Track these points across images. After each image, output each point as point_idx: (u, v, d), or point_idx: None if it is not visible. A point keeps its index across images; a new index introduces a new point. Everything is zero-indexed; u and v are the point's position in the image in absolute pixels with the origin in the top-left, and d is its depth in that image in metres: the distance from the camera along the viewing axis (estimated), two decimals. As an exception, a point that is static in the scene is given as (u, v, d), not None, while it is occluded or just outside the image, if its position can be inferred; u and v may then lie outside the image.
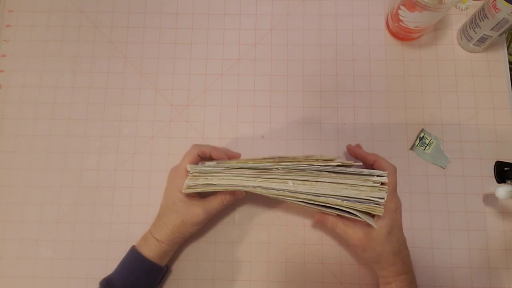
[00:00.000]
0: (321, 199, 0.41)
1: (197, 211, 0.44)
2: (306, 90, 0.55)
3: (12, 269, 0.50)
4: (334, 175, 0.41)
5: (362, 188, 0.41)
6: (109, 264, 0.50)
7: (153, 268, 0.45)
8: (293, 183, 0.41)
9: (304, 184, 0.41)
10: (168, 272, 0.49)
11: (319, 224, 0.45)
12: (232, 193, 0.45)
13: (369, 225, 0.41)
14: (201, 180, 0.43)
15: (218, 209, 0.45)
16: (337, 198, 0.40)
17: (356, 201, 0.40)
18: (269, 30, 0.57)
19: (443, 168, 0.51)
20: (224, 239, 0.51)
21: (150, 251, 0.44)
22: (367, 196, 0.40)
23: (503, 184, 0.46)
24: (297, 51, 0.56)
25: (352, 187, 0.41)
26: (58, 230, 0.51)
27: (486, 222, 0.50)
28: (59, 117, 0.54)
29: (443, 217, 0.50)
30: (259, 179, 0.42)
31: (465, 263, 0.49)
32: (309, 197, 0.41)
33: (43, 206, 0.52)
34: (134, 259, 0.45)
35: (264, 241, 0.51)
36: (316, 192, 0.41)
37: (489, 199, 0.51)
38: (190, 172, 0.44)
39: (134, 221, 0.51)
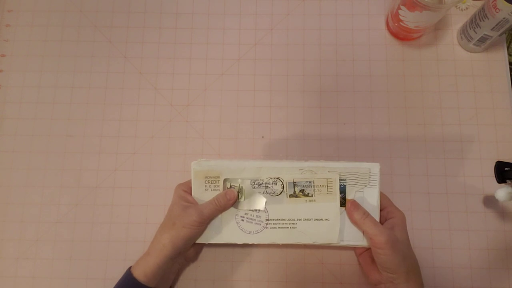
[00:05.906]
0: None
1: (190, 211, 0.43)
2: (306, 90, 0.55)
3: (11, 269, 0.50)
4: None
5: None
6: (109, 265, 0.50)
7: None
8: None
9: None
10: None
11: (349, 213, 0.44)
12: (223, 194, 0.44)
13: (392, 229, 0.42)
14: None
15: (212, 211, 0.44)
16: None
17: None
18: (269, 30, 0.57)
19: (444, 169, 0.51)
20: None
21: (139, 270, 0.42)
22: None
23: (503, 184, 0.46)
24: (297, 51, 0.56)
25: None
26: (57, 230, 0.51)
27: (486, 222, 0.50)
28: (58, 117, 0.54)
29: (443, 217, 0.50)
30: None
31: (465, 263, 0.49)
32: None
33: (43, 206, 0.52)
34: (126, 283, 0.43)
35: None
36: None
37: (490, 199, 0.51)
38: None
39: (133, 221, 0.51)
